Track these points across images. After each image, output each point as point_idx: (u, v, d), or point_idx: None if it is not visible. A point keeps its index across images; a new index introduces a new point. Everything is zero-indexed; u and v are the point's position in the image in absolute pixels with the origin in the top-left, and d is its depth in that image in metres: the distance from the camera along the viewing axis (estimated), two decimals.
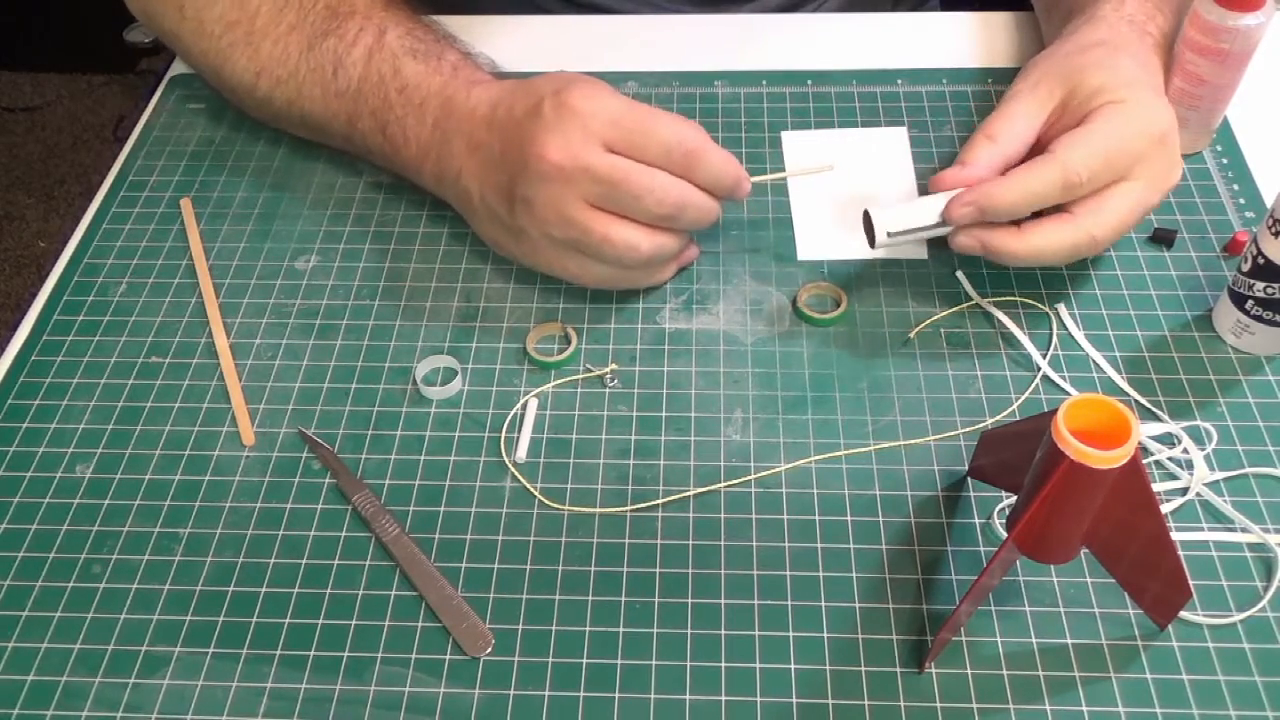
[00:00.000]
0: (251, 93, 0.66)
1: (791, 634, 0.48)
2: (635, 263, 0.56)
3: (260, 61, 0.65)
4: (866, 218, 0.56)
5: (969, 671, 0.46)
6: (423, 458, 0.55)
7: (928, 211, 0.55)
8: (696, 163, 0.54)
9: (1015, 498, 0.47)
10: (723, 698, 0.46)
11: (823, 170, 0.61)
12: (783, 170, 0.67)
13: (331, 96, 0.63)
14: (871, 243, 0.56)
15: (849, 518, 0.52)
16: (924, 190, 0.64)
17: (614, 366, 0.58)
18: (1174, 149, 0.56)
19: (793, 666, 0.47)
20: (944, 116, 0.71)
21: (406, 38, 0.62)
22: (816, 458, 0.54)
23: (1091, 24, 0.62)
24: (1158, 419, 0.55)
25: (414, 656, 0.48)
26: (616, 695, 0.46)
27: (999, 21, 0.79)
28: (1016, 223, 0.54)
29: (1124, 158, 0.53)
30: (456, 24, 0.69)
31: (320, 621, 0.49)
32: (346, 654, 0.48)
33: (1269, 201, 0.64)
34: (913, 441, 0.54)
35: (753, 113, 0.72)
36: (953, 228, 0.55)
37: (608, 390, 0.57)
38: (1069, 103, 0.56)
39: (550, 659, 0.47)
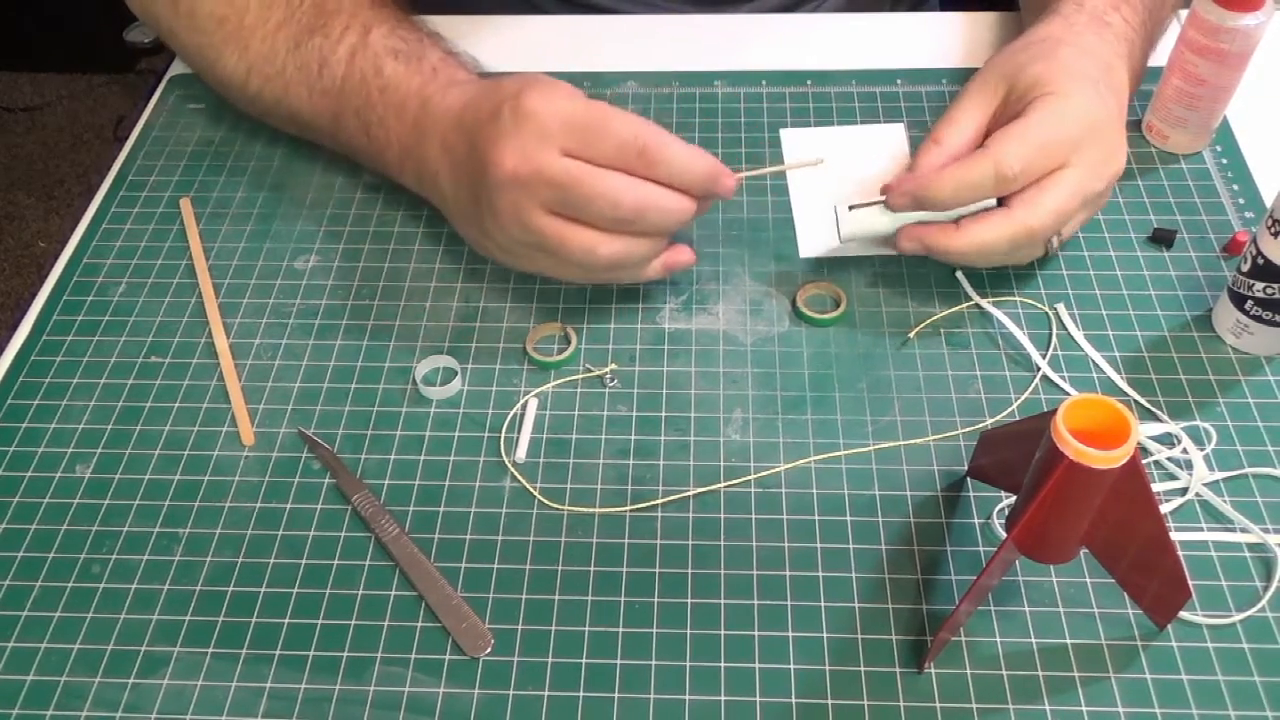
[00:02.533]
0: (243, 90, 0.67)
1: (791, 634, 0.48)
2: (596, 267, 0.55)
3: (250, 59, 0.65)
4: (835, 211, 0.60)
5: (968, 671, 0.46)
6: (422, 458, 0.55)
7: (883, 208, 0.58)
8: (655, 159, 0.52)
9: (1015, 498, 0.47)
10: (722, 698, 0.46)
11: (814, 164, 0.60)
12: (786, 206, 0.66)
13: (317, 95, 0.63)
14: (839, 235, 0.60)
15: (848, 518, 0.52)
16: None
17: (614, 366, 0.58)
18: (1110, 136, 0.56)
19: (792, 666, 0.47)
20: None
21: (390, 37, 0.63)
22: (816, 458, 0.54)
23: (1047, 20, 0.62)
24: (1157, 419, 0.55)
25: (413, 656, 0.48)
26: (616, 695, 0.46)
27: (998, 22, 0.79)
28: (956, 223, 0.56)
29: (1059, 148, 0.54)
30: (455, 24, 0.69)
31: (320, 621, 0.49)
32: (346, 654, 0.48)
33: (1269, 201, 0.64)
34: (912, 441, 0.54)
35: (753, 113, 0.72)
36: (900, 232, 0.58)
37: (607, 390, 0.57)
38: (1009, 98, 0.58)
39: (550, 659, 0.47)
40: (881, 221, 0.58)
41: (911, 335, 0.59)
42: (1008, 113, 0.57)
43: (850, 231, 0.59)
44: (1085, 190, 0.55)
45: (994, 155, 0.54)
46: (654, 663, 0.47)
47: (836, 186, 0.66)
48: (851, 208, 0.58)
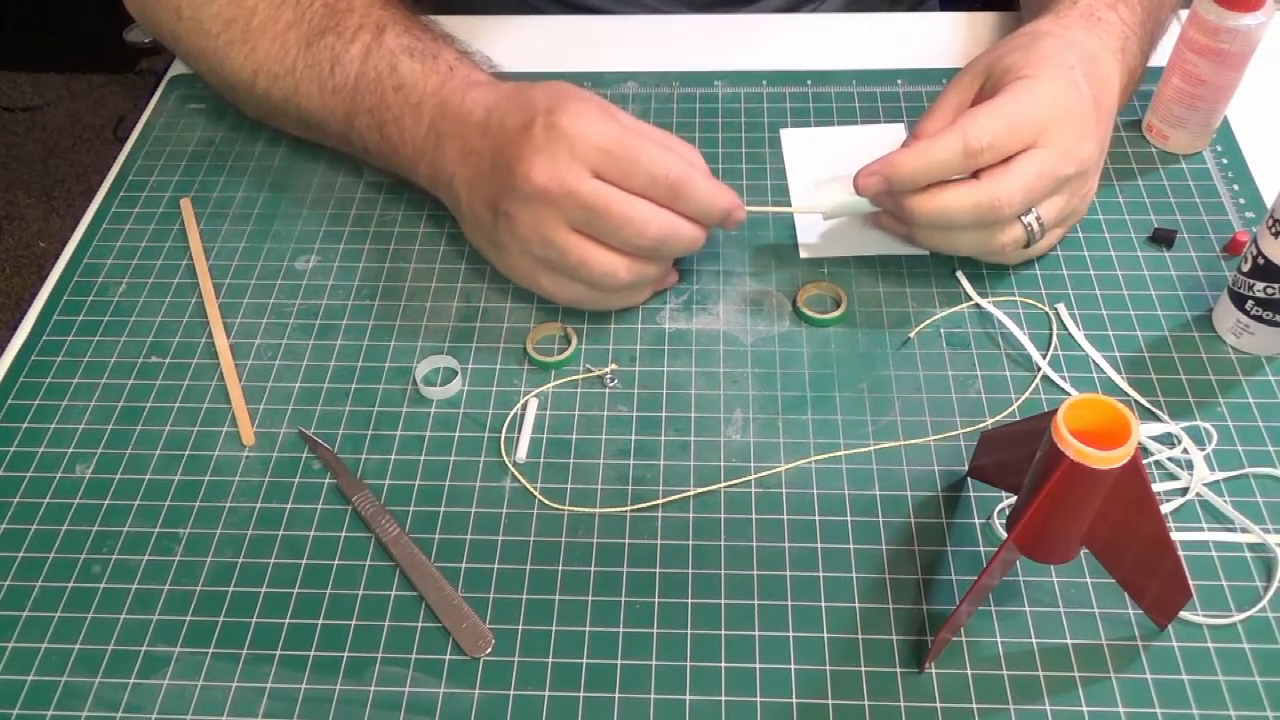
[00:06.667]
0: (250, 90, 0.67)
1: (791, 634, 0.48)
2: (612, 288, 0.56)
3: (257, 59, 0.65)
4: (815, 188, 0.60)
5: (969, 671, 0.46)
6: (423, 458, 0.55)
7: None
8: (682, 193, 0.54)
9: (1015, 498, 0.47)
10: (722, 698, 0.46)
11: (819, 212, 0.61)
12: (786, 203, 0.67)
13: (328, 93, 0.63)
14: (821, 215, 0.61)
15: (849, 518, 0.52)
16: None
17: (614, 366, 0.58)
18: (1083, 121, 0.56)
19: (793, 667, 0.47)
20: None
21: (404, 35, 0.63)
22: (816, 458, 0.54)
23: (1040, 19, 0.62)
24: (1158, 419, 0.55)
25: (414, 657, 0.48)
26: (616, 695, 0.46)
27: (998, 22, 0.79)
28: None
29: (1028, 127, 0.54)
30: (454, 25, 0.69)
31: (320, 621, 0.49)
32: (346, 654, 0.48)
33: (1269, 201, 0.64)
34: (912, 441, 0.54)
35: (753, 113, 0.72)
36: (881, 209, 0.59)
37: (608, 390, 0.57)
38: (984, 88, 0.58)
39: (550, 659, 0.47)
40: (861, 197, 0.59)
41: (912, 335, 0.59)
42: (982, 100, 0.57)
43: (832, 207, 0.60)
44: (1056, 171, 0.55)
45: (962, 128, 0.54)
46: (654, 663, 0.47)
47: (838, 188, 0.66)
48: (826, 213, 0.59)
